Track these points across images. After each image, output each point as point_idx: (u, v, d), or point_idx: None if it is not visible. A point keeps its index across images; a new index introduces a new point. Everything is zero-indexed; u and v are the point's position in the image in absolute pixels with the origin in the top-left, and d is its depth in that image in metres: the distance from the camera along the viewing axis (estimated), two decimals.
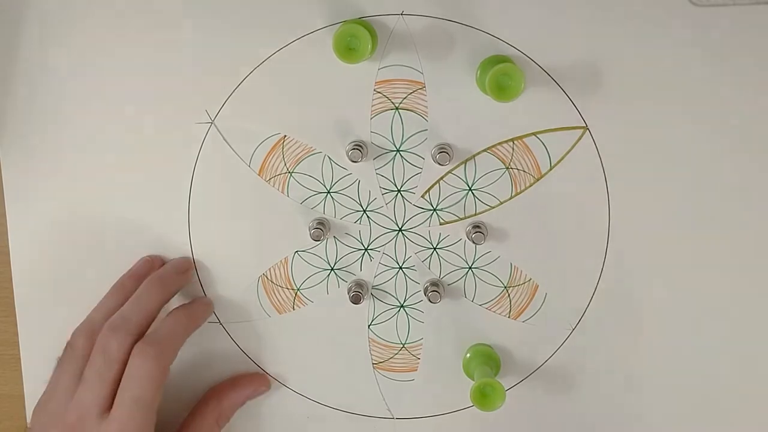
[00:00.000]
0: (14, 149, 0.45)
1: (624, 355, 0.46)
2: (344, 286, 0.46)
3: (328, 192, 0.45)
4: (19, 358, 0.47)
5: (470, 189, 0.45)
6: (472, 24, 0.43)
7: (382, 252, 0.46)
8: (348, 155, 0.44)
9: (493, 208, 0.45)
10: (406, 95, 0.44)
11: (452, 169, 0.45)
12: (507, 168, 0.44)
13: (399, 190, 0.45)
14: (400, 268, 0.46)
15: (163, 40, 0.44)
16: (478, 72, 0.43)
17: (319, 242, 0.45)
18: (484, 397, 0.42)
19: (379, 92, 0.44)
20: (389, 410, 0.47)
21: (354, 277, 0.46)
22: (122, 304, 0.43)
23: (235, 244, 0.46)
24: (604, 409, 0.47)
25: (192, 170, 0.45)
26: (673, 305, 0.45)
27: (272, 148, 0.45)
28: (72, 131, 0.45)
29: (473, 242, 0.44)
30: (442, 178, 0.45)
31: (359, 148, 0.43)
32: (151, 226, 0.46)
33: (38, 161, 0.45)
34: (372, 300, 0.46)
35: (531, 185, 0.44)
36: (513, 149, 0.44)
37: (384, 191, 0.45)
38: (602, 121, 0.43)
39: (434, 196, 0.45)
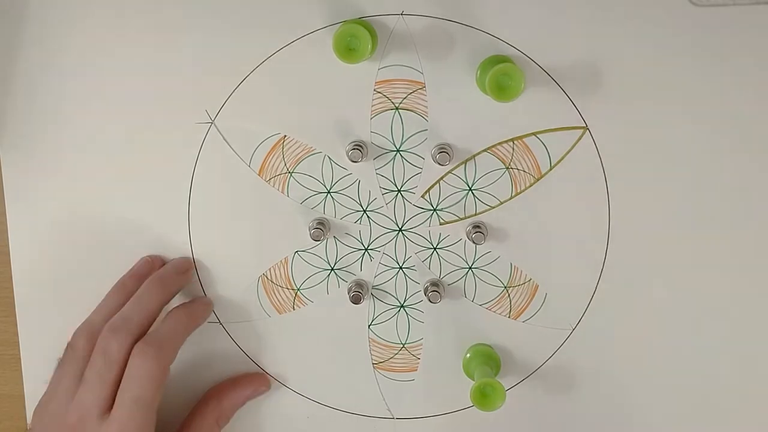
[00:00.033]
0: (14, 149, 0.45)
1: (624, 355, 0.46)
2: (344, 286, 0.46)
3: (328, 192, 0.45)
4: (19, 358, 0.47)
5: (470, 189, 0.45)
6: (472, 24, 0.43)
7: (382, 252, 0.46)
8: (348, 155, 0.44)
9: (493, 208, 0.45)
10: (406, 95, 0.44)
11: (452, 169, 0.45)
12: (507, 168, 0.44)
13: (399, 190, 0.45)
14: (400, 268, 0.46)
15: (163, 40, 0.44)
16: (478, 72, 0.43)
17: (319, 242, 0.45)
18: (484, 397, 0.42)
19: (379, 92, 0.44)
20: (389, 410, 0.47)
21: (354, 277, 0.46)
22: (123, 305, 0.43)
23: (235, 244, 0.46)
24: (604, 409, 0.47)
25: (192, 170, 0.45)
26: (673, 305, 0.45)
27: (272, 148, 0.45)
28: (72, 131, 0.45)
29: (473, 242, 0.44)
30: (442, 178, 0.45)
31: (359, 148, 0.43)
32: (151, 226, 0.46)
33: (38, 161, 0.45)
34: (372, 300, 0.46)
35: (531, 185, 0.44)
36: (513, 149, 0.44)
37: (384, 191, 0.45)
38: (602, 121, 0.43)
39: (434, 196, 0.45)
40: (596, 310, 0.45)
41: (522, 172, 0.44)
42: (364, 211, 0.45)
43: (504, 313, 0.46)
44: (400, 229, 0.46)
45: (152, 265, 0.46)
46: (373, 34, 0.42)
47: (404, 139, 0.44)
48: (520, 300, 0.46)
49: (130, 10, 0.44)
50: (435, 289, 0.45)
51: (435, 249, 0.46)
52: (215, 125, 0.45)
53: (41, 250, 0.46)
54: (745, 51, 0.42)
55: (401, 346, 0.47)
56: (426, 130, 0.44)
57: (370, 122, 0.44)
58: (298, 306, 0.47)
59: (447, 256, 0.46)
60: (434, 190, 0.45)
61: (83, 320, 0.43)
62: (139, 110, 0.45)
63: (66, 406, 0.41)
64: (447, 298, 0.46)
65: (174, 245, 0.46)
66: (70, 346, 0.43)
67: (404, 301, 0.46)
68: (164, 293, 0.44)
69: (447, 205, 0.45)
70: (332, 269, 0.46)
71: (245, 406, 0.47)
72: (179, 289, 0.46)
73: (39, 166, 0.46)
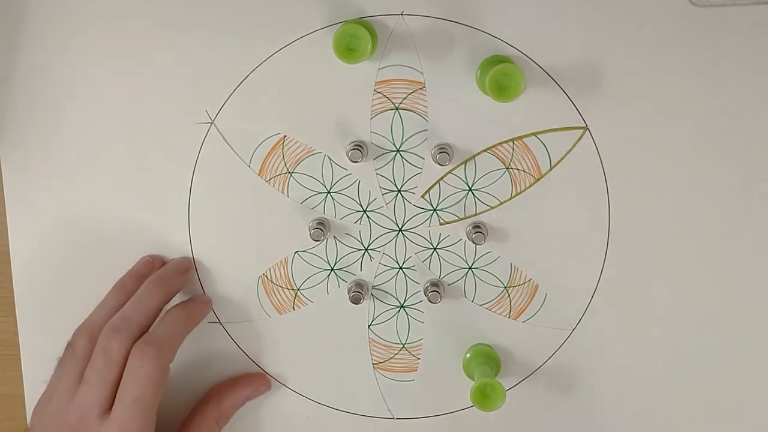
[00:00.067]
0: (14, 149, 0.45)
1: (624, 355, 0.46)
2: (344, 287, 0.46)
3: (328, 192, 0.45)
4: (19, 358, 0.47)
5: (470, 189, 0.45)
6: (472, 24, 0.43)
7: (382, 252, 0.46)
8: (348, 155, 0.44)
9: (493, 208, 0.45)
10: (406, 95, 0.44)
11: (452, 170, 0.45)
12: (507, 168, 0.44)
13: (399, 191, 0.45)
14: (400, 268, 0.46)
15: (163, 40, 0.44)
16: (478, 72, 0.43)
17: (319, 242, 0.45)
18: (485, 397, 0.42)
19: (379, 92, 0.44)
20: (389, 410, 0.47)
21: (354, 278, 0.46)
22: (123, 305, 0.43)
23: (235, 244, 0.46)
24: (604, 409, 0.47)
25: (192, 170, 0.45)
26: (673, 305, 0.45)
27: (272, 148, 0.45)
28: (72, 131, 0.45)
29: (473, 242, 0.44)
30: (442, 178, 0.45)
31: (359, 148, 0.43)
32: (151, 226, 0.46)
33: (38, 161, 0.45)
34: (372, 300, 0.46)
35: (531, 185, 0.44)
36: (513, 149, 0.44)
37: (384, 191, 0.45)
38: (602, 121, 0.43)
39: (434, 196, 0.45)
40: (596, 310, 0.45)
41: (522, 172, 0.44)
42: (364, 211, 0.45)
43: (504, 313, 0.46)
44: (400, 230, 0.46)
45: (152, 265, 0.46)
46: (373, 34, 0.42)
47: (404, 139, 0.44)
48: (520, 300, 0.46)
49: (130, 10, 0.44)
50: (435, 289, 0.45)
51: (435, 249, 0.46)
52: (215, 125, 0.45)
53: (41, 250, 0.46)
54: (745, 51, 0.42)
55: (401, 346, 0.47)
56: (426, 130, 0.44)
57: (370, 122, 0.44)
58: (298, 306, 0.47)
59: (447, 256, 0.46)
60: (434, 191, 0.45)
61: (83, 320, 0.44)
62: (139, 110, 0.45)
63: (66, 405, 0.41)
64: (447, 298, 0.46)
65: (174, 245, 0.46)
66: (70, 345, 0.43)
67: (404, 302, 0.46)
68: (164, 293, 0.44)
69: (447, 206, 0.45)
70: (332, 269, 0.46)
71: (245, 406, 0.47)
72: (179, 289, 0.46)
73: (39, 166, 0.46)
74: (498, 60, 0.42)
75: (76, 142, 0.45)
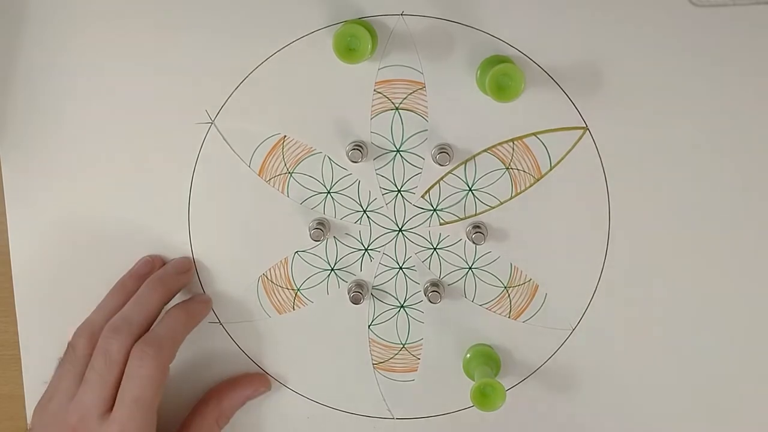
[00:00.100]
0: (14, 149, 0.45)
1: (624, 355, 0.46)
2: (344, 287, 0.46)
3: (328, 192, 0.45)
4: (19, 358, 0.47)
5: (470, 189, 0.45)
6: (472, 24, 0.43)
7: (382, 252, 0.46)
8: (348, 155, 0.44)
9: (493, 208, 0.45)
10: (406, 95, 0.44)
11: (452, 170, 0.45)
12: (507, 168, 0.44)
13: (399, 191, 0.45)
14: (400, 268, 0.46)
15: (163, 40, 0.44)
16: (478, 72, 0.43)
17: (319, 242, 0.45)
18: (485, 398, 0.42)
19: (379, 92, 0.44)
20: (389, 410, 0.47)
21: (354, 278, 0.46)
22: (123, 305, 0.43)
23: (235, 244, 0.46)
24: (604, 409, 0.47)
25: (192, 170, 0.45)
26: (673, 305, 0.45)
27: (272, 148, 0.45)
28: (72, 131, 0.45)
29: (473, 242, 0.44)
30: (442, 178, 0.45)
31: (359, 148, 0.43)
32: (151, 226, 0.46)
33: (38, 161, 0.45)
34: (372, 300, 0.46)
35: (531, 185, 0.44)
36: (513, 149, 0.44)
37: (384, 191, 0.45)
38: (602, 121, 0.43)
39: (434, 196, 0.45)
40: (596, 310, 0.45)
41: (522, 172, 0.44)
42: (364, 211, 0.45)
43: (504, 314, 0.46)
44: (400, 230, 0.46)
45: (152, 265, 0.46)
46: (373, 35, 0.42)
47: (404, 140, 0.44)
48: (520, 300, 0.46)
49: (130, 10, 0.44)
50: (435, 289, 0.45)
51: (435, 249, 0.46)
52: (215, 125, 0.45)
53: (41, 250, 0.46)
54: (745, 51, 0.42)
55: (401, 346, 0.47)
56: (426, 130, 0.44)
57: (370, 122, 0.44)
58: (298, 306, 0.47)
59: (447, 257, 0.46)
60: (434, 191, 0.45)
61: (83, 320, 0.43)
62: (139, 110, 0.45)
63: (66, 406, 0.41)
64: (447, 298, 0.46)
65: (174, 245, 0.46)
66: (70, 346, 0.43)
67: (404, 302, 0.46)
68: (164, 293, 0.44)
69: (447, 206, 0.45)
70: (332, 269, 0.46)
71: (245, 406, 0.47)
72: (179, 289, 0.46)
73: (39, 166, 0.46)
74: (498, 60, 0.42)
75: (76, 142, 0.45)
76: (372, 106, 0.44)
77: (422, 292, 0.46)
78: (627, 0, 0.42)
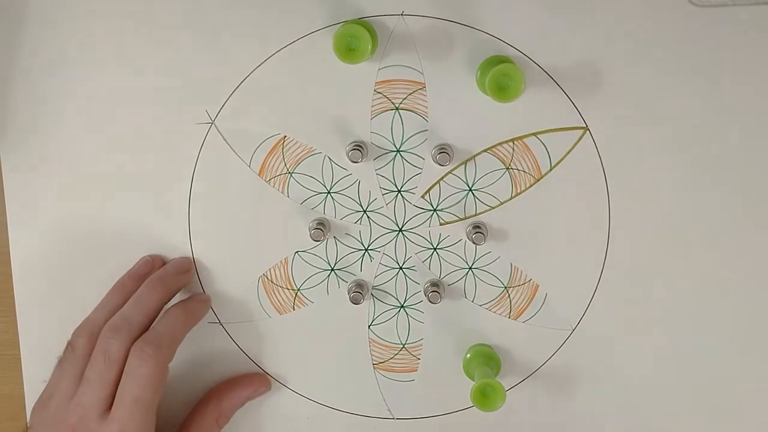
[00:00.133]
0: (14, 149, 0.45)
1: (624, 355, 0.46)
2: (344, 287, 0.46)
3: (329, 192, 0.45)
4: (19, 358, 0.47)
5: (470, 189, 0.45)
6: (472, 24, 0.43)
7: (382, 252, 0.46)
8: (348, 155, 0.44)
9: (494, 208, 0.45)
10: (406, 95, 0.44)
11: (452, 170, 0.45)
12: (507, 168, 0.44)
13: (399, 191, 0.45)
14: (401, 268, 0.46)
15: (163, 40, 0.44)
16: (478, 72, 0.43)
17: (319, 242, 0.45)
18: (485, 398, 0.42)
19: (379, 92, 0.44)
20: (389, 410, 0.47)
21: (354, 278, 0.46)
22: (122, 304, 0.43)
23: (235, 244, 0.46)
24: (604, 409, 0.47)
25: (192, 170, 0.45)
26: (673, 305, 0.45)
27: (272, 149, 0.45)
28: (72, 131, 0.45)
29: (473, 242, 0.44)
30: (442, 178, 0.45)
31: (359, 148, 0.43)
32: (151, 226, 0.46)
33: (38, 161, 0.45)
34: (372, 300, 0.46)
35: (531, 185, 0.44)
36: (513, 149, 0.44)
37: (384, 191, 0.45)
38: (602, 121, 0.43)
39: (434, 196, 0.45)
40: (596, 310, 0.45)
41: (522, 172, 0.44)
42: (364, 211, 0.45)
43: (504, 314, 0.46)
44: (400, 230, 0.46)
45: (152, 265, 0.46)
46: (373, 35, 0.41)
47: (404, 140, 0.44)
48: (520, 300, 0.46)
49: (130, 11, 0.44)
50: (435, 289, 0.45)
51: (435, 249, 0.46)
52: (215, 125, 0.45)
53: (41, 249, 0.46)
54: (745, 51, 0.42)
55: (401, 346, 0.47)
56: (426, 130, 0.44)
57: (370, 122, 0.44)
58: (298, 306, 0.47)
59: (447, 257, 0.46)
60: (434, 191, 0.45)
61: (83, 320, 0.43)
62: (139, 110, 0.45)
63: (66, 405, 0.41)
64: (447, 298, 0.46)
65: (174, 245, 0.46)
66: (70, 345, 0.43)
67: (404, 302, 0.46)
68: (164, 293, 0.44)
69: (447, 206, 0.45)
70: (332, 269, 0.46)
71: (245, 406, 0.47)
72: (179, 289, 0.46)
73: (39, 166, 0.45)
74: (498, 60, 0.42)
75: (76, 142, 0.45)
76: (372, 106, 0.44)
77: (422, 292, 0.46)
78: (627, 0, 0.42)
